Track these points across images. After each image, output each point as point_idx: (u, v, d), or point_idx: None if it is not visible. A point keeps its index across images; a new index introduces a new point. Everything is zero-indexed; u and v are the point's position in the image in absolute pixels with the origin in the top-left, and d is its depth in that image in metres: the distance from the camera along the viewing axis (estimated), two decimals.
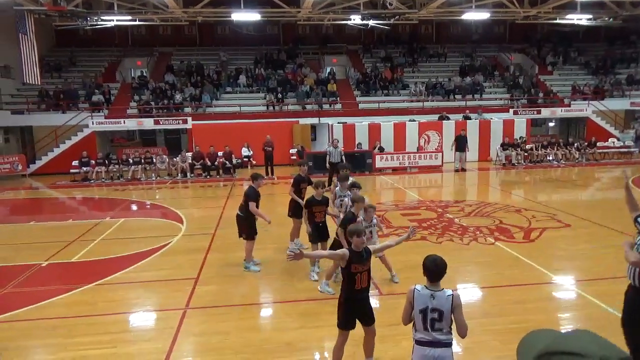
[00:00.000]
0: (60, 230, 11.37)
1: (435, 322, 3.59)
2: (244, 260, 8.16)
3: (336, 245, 6.65)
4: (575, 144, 22.17)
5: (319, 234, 7.64)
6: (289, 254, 4.66)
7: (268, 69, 27.42)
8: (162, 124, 22.92)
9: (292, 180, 9.12)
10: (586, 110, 25.07)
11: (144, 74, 27.48)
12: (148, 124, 22.85)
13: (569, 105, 25.75)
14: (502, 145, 21.07)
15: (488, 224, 10.53)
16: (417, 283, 3.76)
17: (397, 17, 24.52)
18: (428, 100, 25.46)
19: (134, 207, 14.43)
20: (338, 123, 21.94)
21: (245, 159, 21.27)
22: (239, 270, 7.97)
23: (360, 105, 25.01)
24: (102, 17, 22.98)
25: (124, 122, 22.57)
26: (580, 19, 25.25)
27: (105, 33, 26.99)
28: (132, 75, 28.06)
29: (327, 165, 16.37)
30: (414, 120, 22.30)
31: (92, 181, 19.00)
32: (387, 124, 21.84)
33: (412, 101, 25.54)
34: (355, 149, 20.30)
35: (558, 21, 26.35)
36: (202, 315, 6.36)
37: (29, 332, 5.96)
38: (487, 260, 8.28)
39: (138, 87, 25.50)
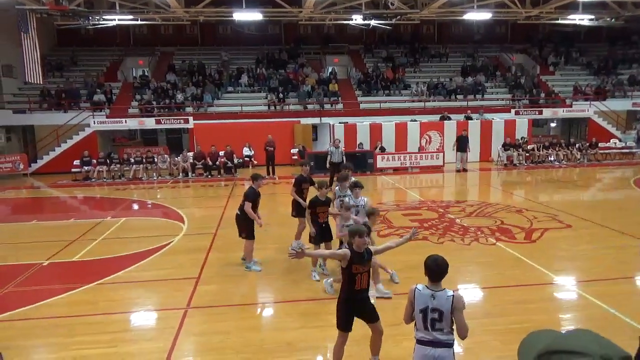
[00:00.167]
0: (62, 230, 11.37)
1: (436, 322, 3.58)
2: (242, 258, 8.17)
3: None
4: (577, 145, 22.10)
5: (322, 235, 7.63)
6: (290, 252, 4.65)
7: (269, 68, 27.43)
8: (164, 123, 22.93)
9: (293, 181, 9.07)
10: (588, 111, 25.02)
11: (146, 73, 27.52)
12: (149, 123, 22.85)
13: (571, 106, 25.68)
14: (504, 145, 21.04)
15: (489, 225, 10.52)
16: (418, 283, 3.76)
17: (398, 17, 24.50)
18: (429, 101, 25.46)
19: (135, 207, 14.43)
20: (339, 123, 21.91)
21: (246, 159, 21.29)
22: (240, 270, 7.97)
23: (362, 105, 25.02)
24: (103, 17, 22.99)
25: (126, 122, 22.58)
26: (582, 19, 25.18)
27: (107, 32, 27.03)
28: (134, 74, 28.11)
29: (328, 165, 16.36)
30: (415, 121, 22.29)
31: (94, 180, 19.04)
32: (388, 124, 21.81)
33: (413, 101, 25.54)
34: (357, 149, 20.29)
35: (560, 21, 26.29)
36: (203, 315, 6.37)
37: (30, 332, 5.96)
38: (488, 260, 8.27)
39: (139, 86, 25.55)
